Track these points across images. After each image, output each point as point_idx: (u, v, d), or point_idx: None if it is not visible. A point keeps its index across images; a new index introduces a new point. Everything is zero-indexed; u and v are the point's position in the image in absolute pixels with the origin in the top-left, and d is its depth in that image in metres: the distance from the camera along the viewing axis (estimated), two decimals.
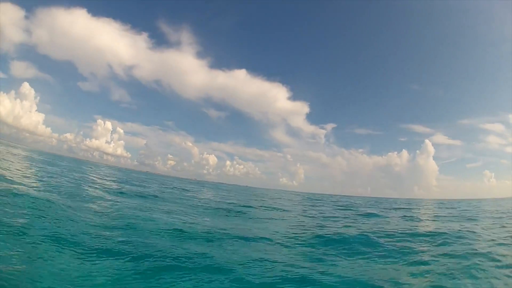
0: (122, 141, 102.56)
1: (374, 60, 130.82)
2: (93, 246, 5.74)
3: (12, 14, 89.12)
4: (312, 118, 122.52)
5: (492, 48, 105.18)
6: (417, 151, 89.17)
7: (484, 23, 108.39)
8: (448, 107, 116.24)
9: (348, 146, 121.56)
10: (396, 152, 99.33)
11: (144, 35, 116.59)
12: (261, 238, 8.30)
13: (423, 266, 6.47)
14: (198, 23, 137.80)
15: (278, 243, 7.94)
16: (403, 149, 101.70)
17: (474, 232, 9.93)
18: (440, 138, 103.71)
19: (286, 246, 7.71)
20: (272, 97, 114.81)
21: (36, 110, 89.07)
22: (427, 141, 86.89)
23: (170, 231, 7.81)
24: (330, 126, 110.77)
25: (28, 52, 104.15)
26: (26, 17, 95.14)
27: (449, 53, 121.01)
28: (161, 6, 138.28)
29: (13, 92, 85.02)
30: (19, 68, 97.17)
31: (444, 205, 29.78)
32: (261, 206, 18.53)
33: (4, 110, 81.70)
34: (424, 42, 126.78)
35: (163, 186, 28.80)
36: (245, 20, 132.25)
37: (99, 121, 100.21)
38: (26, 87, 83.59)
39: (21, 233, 5.70)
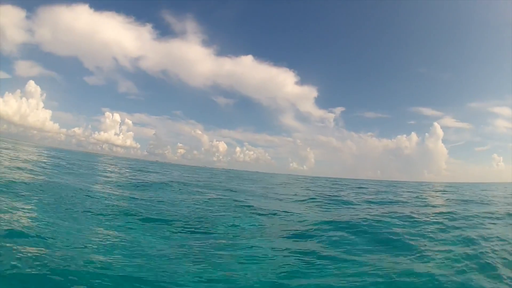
0: (131, 132, 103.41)
1: (382, 43, 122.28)
2: None
3: (13, 16, 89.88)
4: (320, 102, 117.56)
5: (500, 30, 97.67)
6: (426, 134, 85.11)
7: (491, 6, 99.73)
8: (456, 90, 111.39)
9: (357, 129, 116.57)
10: (405, 135, 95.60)
11: (149, 26, 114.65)
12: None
13: None
14: (202, 12, 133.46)
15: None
16: (412, 132, 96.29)
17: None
18: (449, 121, 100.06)
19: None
20: (280, 82, 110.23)
21: (43, 107, 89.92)
22: (436, 124, 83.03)
23: None
24: (339, 110, 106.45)
25: (32, 51, 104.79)
26: (28, 17, 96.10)
27: (457, 36, 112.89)
28: None
29: (18, 91, 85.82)
30: (23, 67, 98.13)
31: (446, 189, 25.49)
32: (204, 185, 15.69)
33: (11, 110, 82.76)
34: (431, 25, 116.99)
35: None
36: (249, 6, 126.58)
37: (107, 113, 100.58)
38: (31, 85, 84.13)
39: None
